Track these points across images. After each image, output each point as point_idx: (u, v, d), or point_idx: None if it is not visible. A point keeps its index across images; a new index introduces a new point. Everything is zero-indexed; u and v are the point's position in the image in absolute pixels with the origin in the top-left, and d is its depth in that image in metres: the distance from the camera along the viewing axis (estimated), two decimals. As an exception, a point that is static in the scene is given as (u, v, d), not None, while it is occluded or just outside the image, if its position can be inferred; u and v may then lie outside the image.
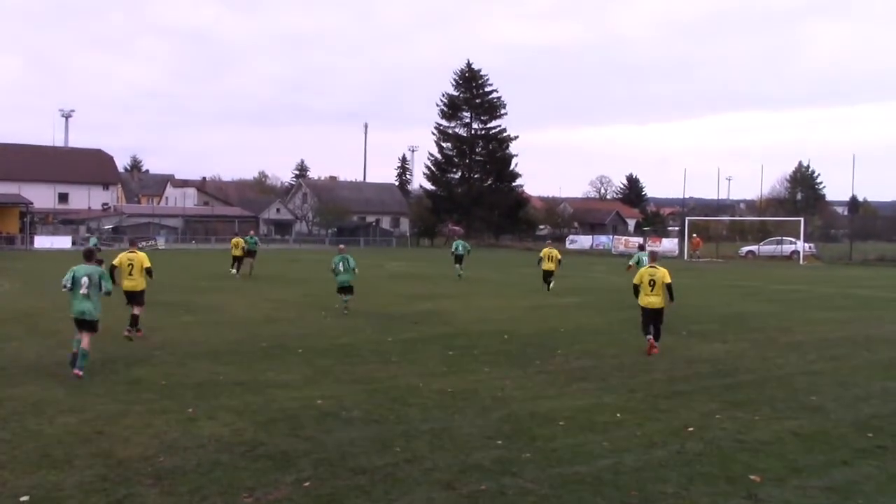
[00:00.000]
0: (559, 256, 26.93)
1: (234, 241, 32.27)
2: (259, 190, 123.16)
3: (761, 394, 10.35)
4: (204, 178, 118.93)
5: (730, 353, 13.81)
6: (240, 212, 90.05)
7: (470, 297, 23.87)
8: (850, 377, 11.65)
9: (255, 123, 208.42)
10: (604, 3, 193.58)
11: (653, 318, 13.75)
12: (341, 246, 23.28)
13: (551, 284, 26.07)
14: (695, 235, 58.80)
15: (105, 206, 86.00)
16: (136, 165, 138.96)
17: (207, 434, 8.03)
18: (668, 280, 13.74)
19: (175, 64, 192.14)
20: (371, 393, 10.04)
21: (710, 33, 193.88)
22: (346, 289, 19.74)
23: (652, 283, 13.76)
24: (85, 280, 11.14)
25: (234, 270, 30.56)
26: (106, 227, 72.47)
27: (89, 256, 11.69)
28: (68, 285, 11.17)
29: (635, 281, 14.27)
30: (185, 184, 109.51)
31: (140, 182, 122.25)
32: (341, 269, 19.77)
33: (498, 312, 19.73)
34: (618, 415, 9.09)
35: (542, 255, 26.97)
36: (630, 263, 21.84)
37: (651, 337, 13.63)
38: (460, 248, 32.99)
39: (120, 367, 11.57)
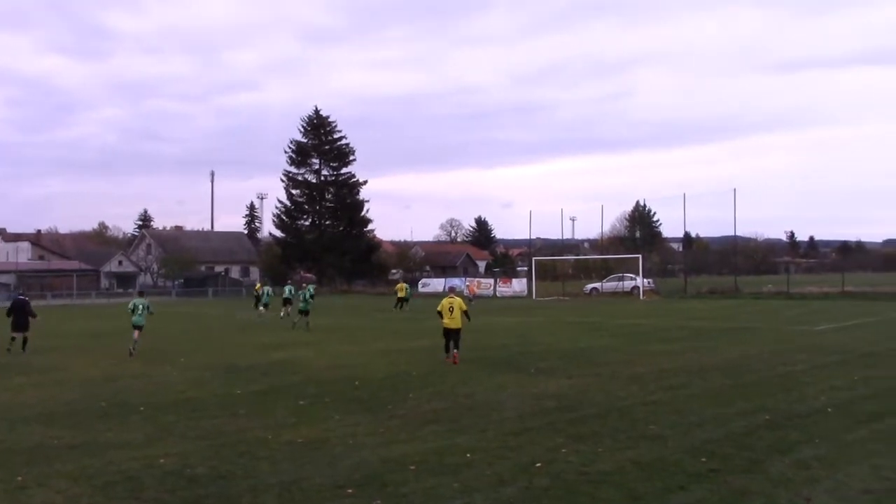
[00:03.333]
0: (406, 286, 44.25)
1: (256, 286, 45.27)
2: (99, 242, 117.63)
3: (604, 426, 10.72)
4: (39, 231, 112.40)
5: (574, 387, 14.24)
6: (78, 265, 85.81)
7: (322, 344, 23.61)
8: (686, 405, 12.25)
9: (95, 173, 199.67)
10: (447, 53, 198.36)
11: (453, 336, 18.37)
12: (306, 282, 35.63)
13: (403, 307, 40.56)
14: (468, 283, 60.63)
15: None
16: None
17: (39, 503, 7.55)
18: (465, 307, 18.81)
19: (7, 113, 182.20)
20: (217, 448, 9.72)
21: (549, 80, 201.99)
22: (305, 312, 29.01)
23: (451, 309, 18.40)
24: (140, 306, 21.47)
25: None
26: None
27: (142, 294, 23.55)
28: (131, 308, 21.70)
29: (439, 308, 18.74)
30: (17, 238, 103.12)
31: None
32: (301, 297, 29.88)
33: (350, 358, 19.61)
34: (468, 455, 9.17)
35: (396, 287, 43.51)
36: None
37: (455, 353, 18.18)
38: (289, 293, 37.86)
39: (-60, 437, 10.73)
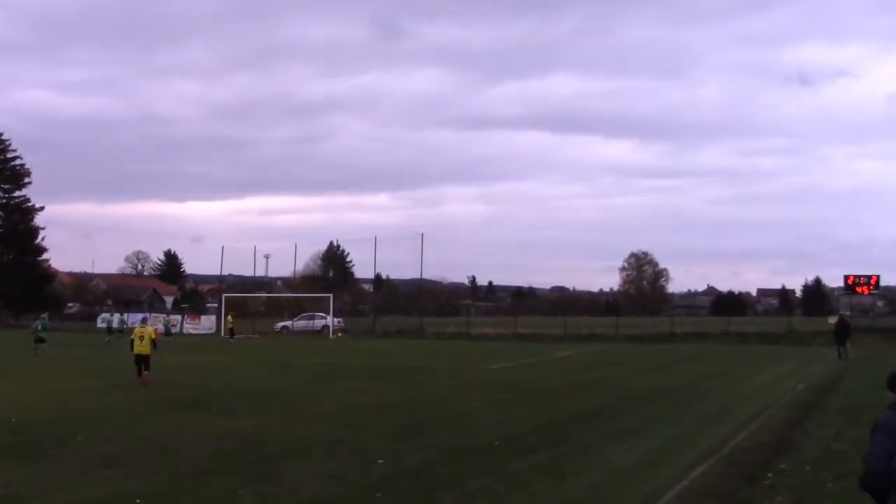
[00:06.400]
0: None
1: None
2: None
3: (284, 466, 10.64)
4: None
5: (258, 427, 14.03)
6: None
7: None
8: (367, 443, 12.51)
9: None
10: (138, 80, 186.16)
11: (143, 361, 20.94)
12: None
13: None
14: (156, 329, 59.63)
15: None
16: None
17: None
18: (154, 336, 21.64)
19: None
20: None
21: (245, 118, 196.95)
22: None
23: (142, 337, 21.11)
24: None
25: None
26: None
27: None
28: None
29: (133, 336, 21.69)
30: None
31: None
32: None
33: (10, 399, 17.70)
34: (138, 500, 8.66)
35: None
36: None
37: (145, 374, 20.76)
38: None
39: None
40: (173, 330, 51.62)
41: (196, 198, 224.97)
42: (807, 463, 10.87)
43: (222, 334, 55.22)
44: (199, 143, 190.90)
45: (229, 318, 51.29)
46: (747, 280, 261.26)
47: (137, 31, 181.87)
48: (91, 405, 16.92)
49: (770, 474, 10.18)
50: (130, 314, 55.07)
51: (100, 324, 64.67)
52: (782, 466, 10.67)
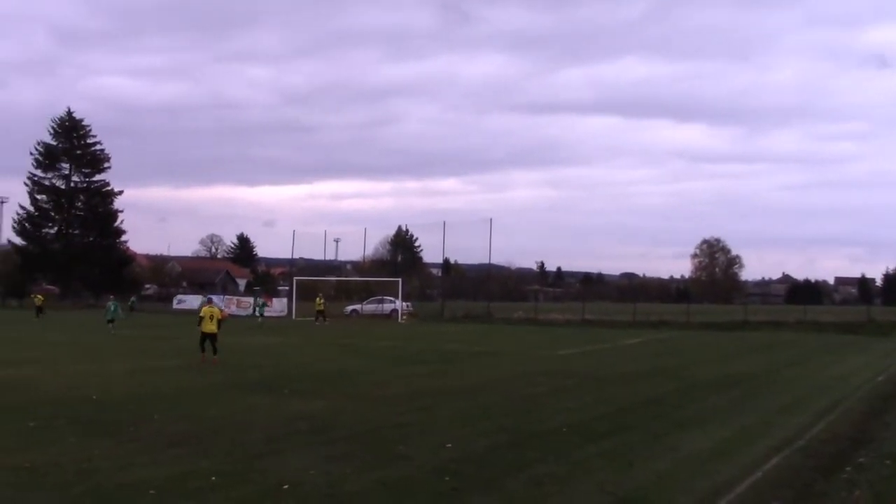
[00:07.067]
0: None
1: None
2: None
3: (354, 447, 10.77)
4: None
5: (328, 409, 14.22)
6: None
7: (59, 362, 22.01)
8: (435, 426, 12.58)
9: None
10: (210, 66, 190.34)
11: (211, 339, 21.80)
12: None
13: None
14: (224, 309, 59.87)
15: None
16: None
17: None
18: (221, 316, 22.64)
19: None
20: (-73, 476, 8.77)
21: (314, 102, 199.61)
22: None
23: (212, 317, 22.05)
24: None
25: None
26: None
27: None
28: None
29: (201, 314, 22.47)
30: None
31: None
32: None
33: (91, 378, 18.39)
34: (213, 478, 8.87)
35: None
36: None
37: (204, 354, 21.63)
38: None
39: None
40: (266, 311, 51.40)
41: (268, 182, 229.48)
42: (887, 457, 10.55)
43: (293, 317, 56.08)
44: (270, 128, 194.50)
45: (318, 300, 50.86)
46: (824, 268, 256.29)
47: (210, 18, 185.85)
48: (167, 384, 17.40)
49: (848, 468, 9.92)
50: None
51: (175, 304, 66.61)
52: (861, 460, 10.39)
